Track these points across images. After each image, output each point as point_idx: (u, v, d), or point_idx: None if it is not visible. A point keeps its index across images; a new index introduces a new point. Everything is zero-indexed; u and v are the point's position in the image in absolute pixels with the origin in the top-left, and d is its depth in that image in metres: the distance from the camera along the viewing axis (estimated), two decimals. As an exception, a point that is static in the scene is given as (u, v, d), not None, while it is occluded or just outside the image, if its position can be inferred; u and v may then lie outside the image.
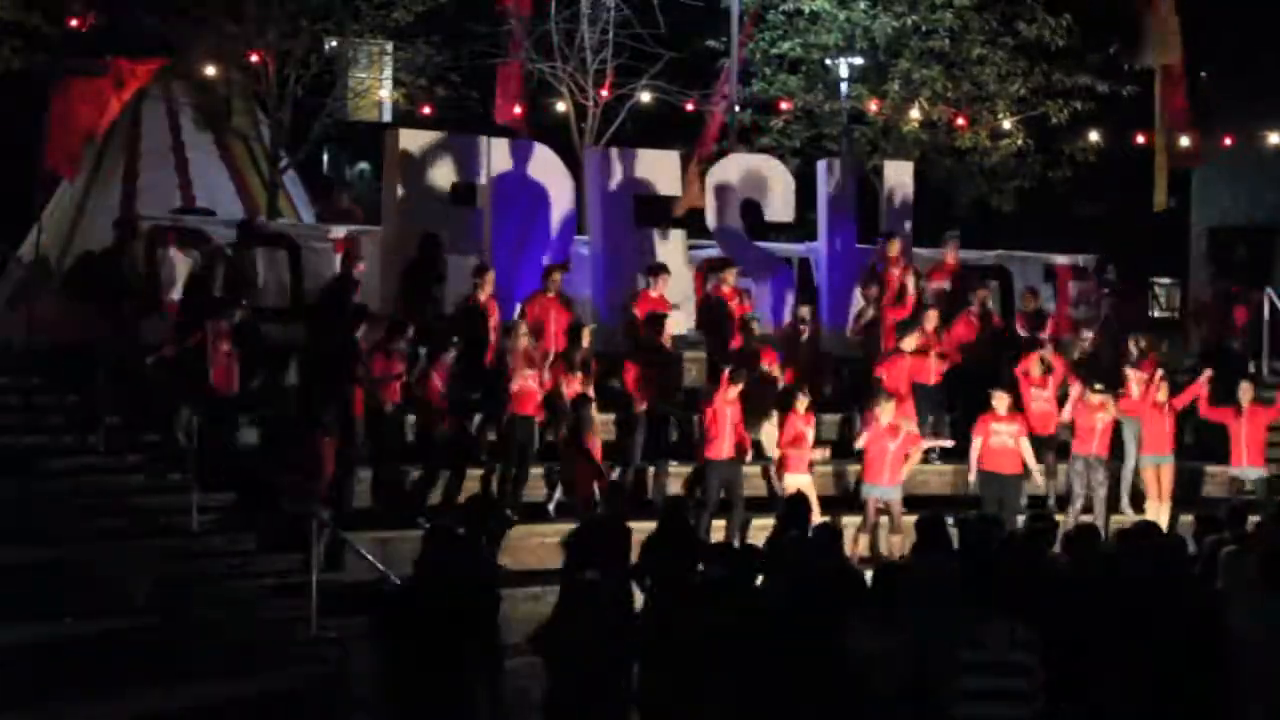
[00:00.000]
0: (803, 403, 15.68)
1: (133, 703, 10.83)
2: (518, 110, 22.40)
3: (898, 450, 15.55)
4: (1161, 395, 16.46)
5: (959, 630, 8.07)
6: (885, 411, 15.55)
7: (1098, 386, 16.30)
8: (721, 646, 8.50)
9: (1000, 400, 15.85)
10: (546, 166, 17.77)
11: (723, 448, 15.24)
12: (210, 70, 20.19)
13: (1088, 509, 15.93)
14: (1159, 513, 15.98)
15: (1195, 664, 8.27)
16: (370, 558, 12.87)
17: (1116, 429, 16.53)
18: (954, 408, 17.10)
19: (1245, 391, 16.77)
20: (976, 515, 12.69)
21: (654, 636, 8.93)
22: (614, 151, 18.57)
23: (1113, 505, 16.39)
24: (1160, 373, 16.71)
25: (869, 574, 9.47)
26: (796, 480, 15.36)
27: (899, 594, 8.71)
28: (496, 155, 17.38)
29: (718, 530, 15.04)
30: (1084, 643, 8.34)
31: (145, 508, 13.43)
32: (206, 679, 11.31)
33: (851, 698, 8.33)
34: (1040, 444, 16.28)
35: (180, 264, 16.21)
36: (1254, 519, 12.71)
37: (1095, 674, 8.32)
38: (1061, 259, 20.33)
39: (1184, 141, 22.73)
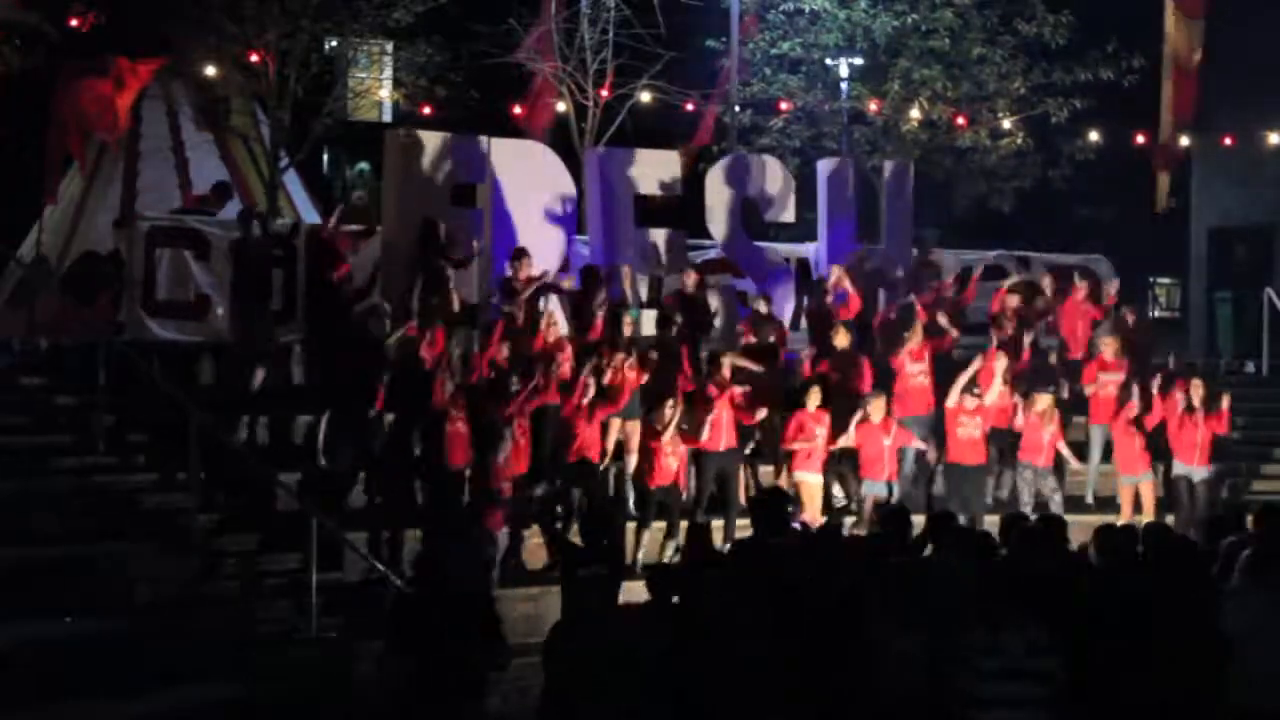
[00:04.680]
0: (814, 399, 15.57)
1: (133, 703, 10.82)
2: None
3: (893, 446, 15.60)
4: (1133, 413, 16.38)
5: (975, 636, 8.03)
6: (876, 408, 15.58)
7: (1043, 394, 16.28)
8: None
9: (969, 395, 15.80)
10: (546, 166, 17.77)
11: (720, 438, 15.19)
12: (210, 70, 20.20)
13: (1041, 514, 15.73)
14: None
15: (1192, 664, 8.26)
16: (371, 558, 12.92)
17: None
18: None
19: (1196, 389, 16.65)
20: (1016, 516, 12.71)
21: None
22: (614, 151, 18.57)
23: (1072, 506, 16.26)
24: (1134, 388, 16.63)
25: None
26: (805, 478, 15.38)
27: (918, 593, 8.66)
28: (496, 155, 17.37)
29: (715, 530, 14.90)
30: (1097, 642, 8.30)
31: (145, 507, 13.43)
32: (207, 679, 11.30)
33: (867, 698, 8.29)
34: (998, 437, 16.37)
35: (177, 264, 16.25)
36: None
37: (1106, 674, 8.30)
38: (1066, 259, 20.35)
39: (1184, 140, 22.75)
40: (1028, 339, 17.27)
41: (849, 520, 15.39)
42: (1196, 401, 16.54)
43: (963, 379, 15.87)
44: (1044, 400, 16.24)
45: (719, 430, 15.16)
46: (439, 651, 8.99)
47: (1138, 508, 16.24)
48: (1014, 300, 17.83)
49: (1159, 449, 16.69)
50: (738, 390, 15.41)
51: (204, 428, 13.27)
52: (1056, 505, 16.10)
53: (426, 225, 16.20)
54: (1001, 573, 9.07)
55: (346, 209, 16.77)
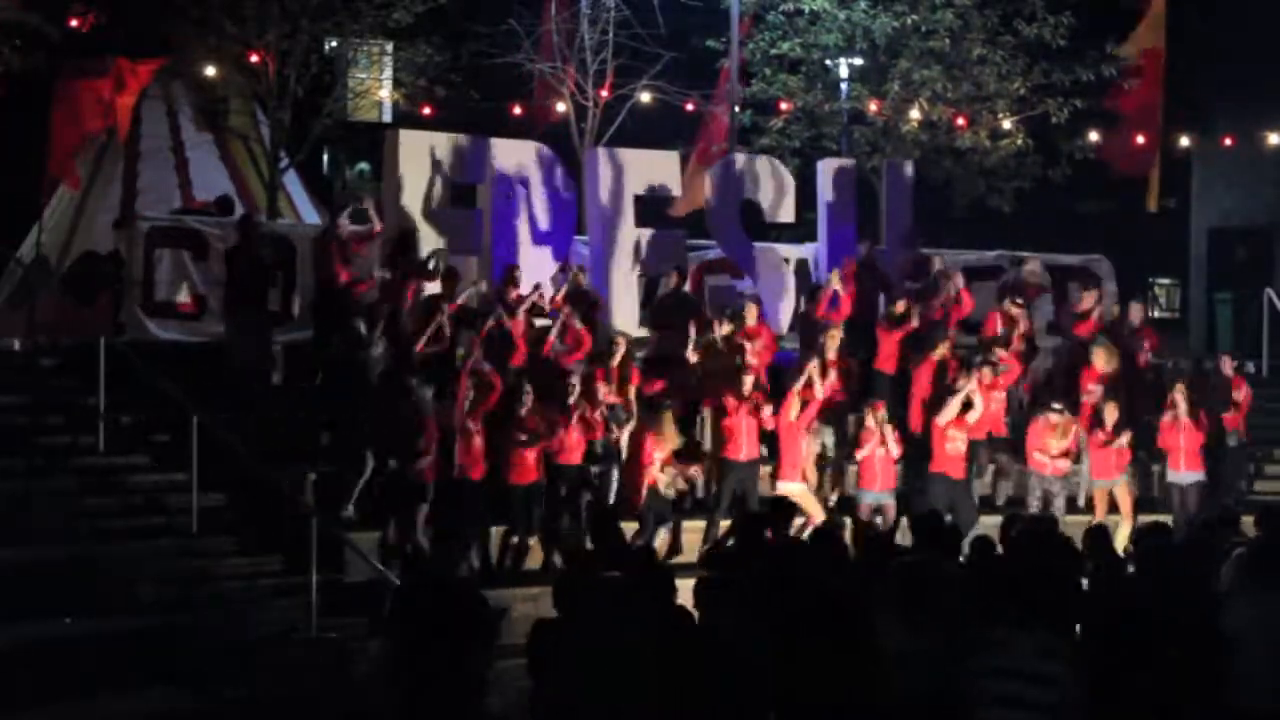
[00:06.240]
0: (794, 408, 15.26)
1: (134, 703, 10.84)
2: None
3: (888, 454, 15.33)
4: (1108, 419, 16.24)
5: (985, 635, 8.01)
6: (872, 416, 15.36)
7: (1056, 406, 16.13)
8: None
9: (956, 407, 15.46)
10: (546, 166, 17.77)
11: (741, 448, 15.09)
12: (210, 70, 20.20)
13: (1045, 511, 15.54)
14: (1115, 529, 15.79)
15: (1192, 664, 8.26)
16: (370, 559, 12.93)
17: None
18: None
19: (1181, 396, 16.51)
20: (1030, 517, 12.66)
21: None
22: (614, 151, 18.57)
23: (1071, 507, 16.24)
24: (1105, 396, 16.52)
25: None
26: (787, 488, 14.98)
27: (925, 594, 8.63)
28: (496, 155, 17.37)
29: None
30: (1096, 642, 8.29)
31: (147, 507, 13.44)
32: (207, 679, 11.31)
33: (872, 700, 8.26)
34: (995, 445, 16.31)
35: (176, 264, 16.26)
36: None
37: (1105, 675, 8.29)
38: (1066, 259, 20.34)
39: (1139, 140, 22.86)
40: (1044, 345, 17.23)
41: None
42: (1183, 410, 16.43)
43: (958, 399, 15.48)
44: (1055, 419, 16.02)
45: (739, 440, 15.04)
46: (437, 649, 8.99)
47: (1113, 510, 16.10)
48: (1016, 310, 17.73)
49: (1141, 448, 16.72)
50: (760, 398, 15.23)
51: (204, 427, 13.28)
52: (1058, 495, 16.00)
53: (404, 236, 16.20)
54: (1002, 573, 9.07)
55: (356, 210, 16.70)
